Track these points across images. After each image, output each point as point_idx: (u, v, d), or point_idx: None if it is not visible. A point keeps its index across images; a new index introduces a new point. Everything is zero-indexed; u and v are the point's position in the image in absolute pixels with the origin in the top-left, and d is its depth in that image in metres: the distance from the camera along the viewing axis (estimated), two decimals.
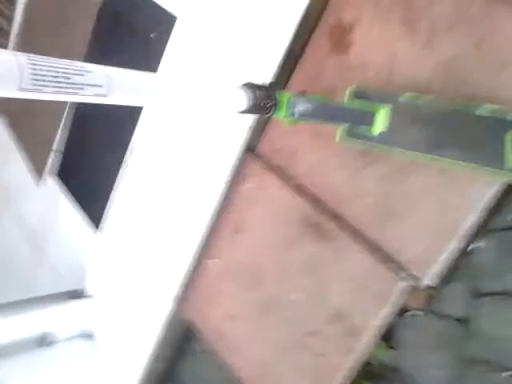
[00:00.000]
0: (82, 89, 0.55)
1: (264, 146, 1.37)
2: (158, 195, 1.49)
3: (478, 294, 1.13)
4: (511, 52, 0.96)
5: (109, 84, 0.59)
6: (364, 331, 1.17)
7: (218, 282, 1.47)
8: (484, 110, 0.94)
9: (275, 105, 0.99)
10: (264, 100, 0.95)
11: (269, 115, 0.99)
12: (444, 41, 1.04)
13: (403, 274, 1.11)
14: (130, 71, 0.65)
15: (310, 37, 1.26)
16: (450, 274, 1.11)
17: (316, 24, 1.25)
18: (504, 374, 1.10)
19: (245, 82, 0.92)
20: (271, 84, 1.26)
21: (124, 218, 1.61)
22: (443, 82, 1.04)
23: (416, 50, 1.08)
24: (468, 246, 1.10)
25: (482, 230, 1.07)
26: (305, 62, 1.27)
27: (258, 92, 0.93)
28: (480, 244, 1.11)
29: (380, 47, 1.13)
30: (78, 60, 0.60)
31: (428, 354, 1.21)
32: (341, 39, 1.19)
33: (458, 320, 1.15)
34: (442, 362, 1.18)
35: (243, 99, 0.91)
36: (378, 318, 1.15)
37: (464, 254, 1.10)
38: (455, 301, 1.16)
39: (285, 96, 1.01)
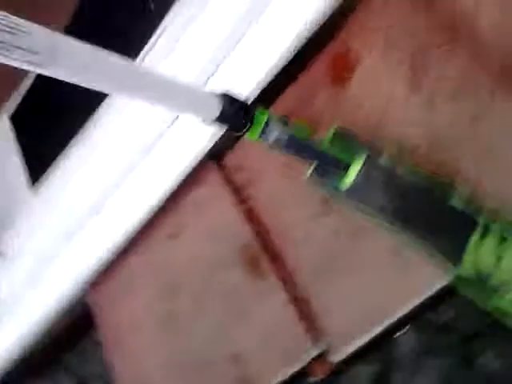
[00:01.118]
0: (7, 50, 0.44)
1: (231, 159, 1.28)
2: (103, 173, 1.37)
3: None
4: (499, 143, 0.91)
5: (50, 54, 0.49)
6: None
7: (133, 281, 1.38)
8: (459, 200, 0.89)
9: (249, 124, 0.89)
10: (238, 116, 0.86)
11: (239, 134, 0.90)
12: (444, 108, 0.98)
13: (319, 340, 1.04)
14: (86, 46, 0.55)
15: (310, 60, 1.18)
16: (365, 355, 1.05)
17: (321, 49, 1.16)
18: None
19: (223, 91, 0.83)
20: (253, 102, 1.17)
21: (61, 186, 1.49)
22: (429, 152, 0.98)
23: (413, 108, 1.01)
24: (394, 331, 1.04)
25: (412, 320, 1.02)
26: (298, 85, 1.19)
27: (233, 106, 0.84)
28: (403, 333, 1.05)
29: (379, 91, 1.06)
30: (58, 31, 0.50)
31: None
32: (342, 71, 1.12)
33: None
34: None
35: (214, 108, 0.81)
36: (276, 376, 1.08)
37: (386, 338, 1.05)
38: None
39: (262, 117, 0.92)
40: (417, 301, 0.95)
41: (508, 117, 0.91)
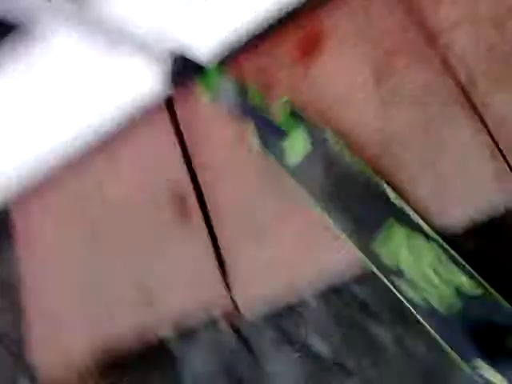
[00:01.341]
0: None
1: (183, 107, 1.20)
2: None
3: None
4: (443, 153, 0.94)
5: None
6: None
7: (60, 203, 1.33)
8: (393, 195, 0.92)
9: (203, 78, 0.85)
10: (190, 71, 0.82)
11: (191, 87, 0.86)
12: (400, 109, 0.98)
13: (231, 292, 1.06)
14: None
15: (278, 31, 1.11)
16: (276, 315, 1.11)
17: (291, 22, 1.10)
18: None
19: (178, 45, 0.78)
20: (209, 61, 1.10)
21: None
22: (376, 147, 0.98)
23: (370, 105, 1.00)
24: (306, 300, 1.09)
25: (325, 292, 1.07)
26: (260, 52, 1.13)
27: (186, 62, 0.79)
28: (312, 302, 1.10)
29: (339, 78, 1.04)
30: None
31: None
32: (307, 49, 1.09)
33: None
34: None
35: (166, 61, 0.76)
36: (184, 319, 1.11)
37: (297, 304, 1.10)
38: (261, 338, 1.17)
39: (216, 77, 0.88)
40: (332, 279, 1.00)
41: (455, 130, 0.94)
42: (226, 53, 1.10)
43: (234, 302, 1.06)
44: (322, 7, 1.09)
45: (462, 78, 0.94)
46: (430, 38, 0.98)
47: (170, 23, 1.04)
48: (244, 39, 1.10)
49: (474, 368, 0.84)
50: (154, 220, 1.19)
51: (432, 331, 0.87)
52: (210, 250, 1.10)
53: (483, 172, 0.90)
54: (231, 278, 1.07)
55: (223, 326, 1.18)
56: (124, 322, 1.17)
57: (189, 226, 1.14)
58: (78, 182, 1.31)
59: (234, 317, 1.11)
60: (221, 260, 1.09)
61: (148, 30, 1.06)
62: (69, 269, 1.27)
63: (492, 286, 0.85)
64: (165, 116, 1.22)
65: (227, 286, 1.07)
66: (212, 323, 1.18)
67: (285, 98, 0.99)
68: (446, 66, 0.95)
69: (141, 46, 0.72)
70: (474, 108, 0.92)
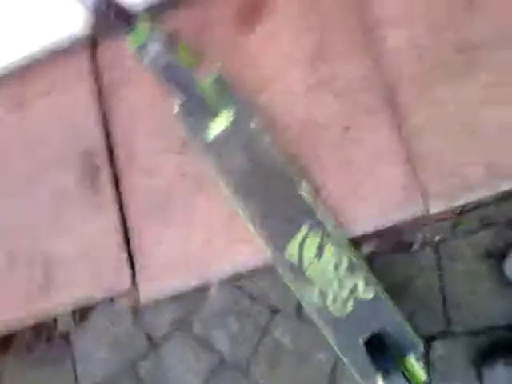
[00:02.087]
0: None
1: (106, 51, 1.12)
2: None
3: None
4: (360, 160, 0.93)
5: None
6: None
7: None
8: (306, 191, 0.90)
9: (133, 26, 0.78)
10: (119, 12, 0.74)
11: (117, 34, 0.78)
12: (325, 105, 0.96)
13: (130, 275, 1.01)
14: None
15: None
16: (174, 300, 1.07)
17: None
18: None
19: None
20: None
21: None
22: (297, 138, 0.96)
23: (299, 90, 0.97)
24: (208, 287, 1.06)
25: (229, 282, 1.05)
26: (200, 9, 1.07)
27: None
28: (214, 289, 1.08)
29: (277, 55, 1.00)
30: None
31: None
32: (249, 16, 1.03)
33: None
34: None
35: None
36: (85, 298, 1.05)
37: (198, 292, 1.07)
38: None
39: (148, 28, 0.81)
40: (235, 269, 0.97)
41: (375, 133, 0.93)
42: (161, 4, 1.04)
43: (135, 285, 1.01)
44: None
45: (390, 79, 0.93)
46: (368, 30, 0.96)
47: None
48: None
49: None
50: (59, 184, 1.10)
51: (325, 332, 0.87)
52: (118, 228, 1.04)
53: (393, 180, 0.90)
54: (135, 261, 1.02)
55: (121, 308, 1.13)
56: (17, 302, 1.08)
57: (98, 199, 1.06)
58: None
59: (133, 300, 1.06)
60: (127, 240, 1.04)
61: None
62: None
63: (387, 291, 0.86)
64: (85, 62, 1.13)
65: (131, 270, 1.02)
66: (110, 305, 1.13)
67: (217, 71, 0.94)
68: (378, 63, 0.94)
69: None
70: (395, 113, 0.92)
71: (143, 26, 0.80)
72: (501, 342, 0.92)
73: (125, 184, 1.05)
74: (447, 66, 0.91)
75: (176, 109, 0.95)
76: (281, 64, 1.00)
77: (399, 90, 0.92)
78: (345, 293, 0.86)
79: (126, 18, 0.75)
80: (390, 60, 0.94)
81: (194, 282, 0.98)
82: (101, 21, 0.73)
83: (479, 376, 0.91)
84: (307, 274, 0.88)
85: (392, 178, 0.90)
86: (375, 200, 0.90)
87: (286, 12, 1.01)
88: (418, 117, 0.91)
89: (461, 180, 0.86)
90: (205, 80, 0.93)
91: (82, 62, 1.13)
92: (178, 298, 1.10)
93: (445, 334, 0.95)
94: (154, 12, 1.01)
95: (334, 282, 0.87)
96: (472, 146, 0.87)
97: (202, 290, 1.09)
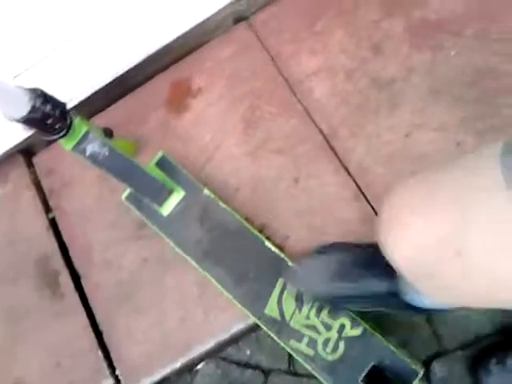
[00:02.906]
0: None
1: (43, 158, 1.13)
2: None
3: None
4: (312, 207, 0.96)
5: None
6: None
7: None
8: (272, 245, 0.91)
9: (65, 130, 0.79)
10: (53, 118, 0.75)
11: (52, 138, 0.79)
12: (267, 159, 1.00)
13: (114, 371, 0.97)
14: None
15: (151, 76, 1.11)
16: None
17: (164, 68, 1.11)
18: None
19: (36, 87, 0.72)
20: (74, 107, 1.05)
21: None
22: (249, 198, 0.98)
23: (241, 153, 1.01)
24: (194, 365, 1.02)
25: (213, 354, 1.02)
26: (132, 99, 1.11)
27: (48, 105, 0.73)
28: (201, 366, 1.04)
29: (213, 129, 1.04)
30: None
31: None
32: (181, 98, 1.08)
33: None
34: None
35: (23, 105, 0.70)
36: None
37: (185, 370, 1.02)
38: None
39: (83, 126, 0.82)
40: (217, 339, 0.94)
41: (321, 178, 0.96)
42: (95, 100, 1.06)
43: (118, 381, 0.97)
44: (191, 53, 1.10)
45: (323, 125, 0.98)
46: (293, 85, 1.02)
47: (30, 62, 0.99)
48: (114, 86, 1.07)
49: None
50: (16, 301, 1.05)
51: (323, 380, 0.85)
52: (88, 328, 1.00)
53: (352, 217, 0.93)
54: (113, 357, 0.98)
55: None
56: None
57: (62, 304, 1.03)
58: None
59: None
60: (100, 338, 0.99)
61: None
62: None
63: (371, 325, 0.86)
64: (24, 171, 1.13)
65: (110, 367, 0.97)
66: None
67: (160, 153, 0.95)
68: (308, 114, 0.99)
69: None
70: (336, 155, 0.96)
71: (78, 124, 0.81)
72: (490, 346, 0.94)
73: (87, 282, 1.02)
74: (371, 103, 0.98)
75: (126, 194, 0.95)
76: (218, 134, 1.03)
77: (333, 133, 0.98)
78: (333, 335, 0.85)
79: (61, 117, 0.75)
80: (318, 109, 1.00)
81: (178, 362, 0.94)
82: (33, 127, 0.73)
83: (477, 382, 0.92)
84: (292, 325, 0.88)
85: (350, 215, 0.93)
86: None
87: (214, 86, 1.07)
88: (357, 153, 0.96)
89: None
90: (150, 163, 0.95)
91: (21, 171, 1.13)
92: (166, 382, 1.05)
93: (440, 354, 0.96)
94: (83, 109, 1.05)
95: (320, 328, 0.86)
96: (415, 167, 0.92)
97: (187, 371, 1.05)
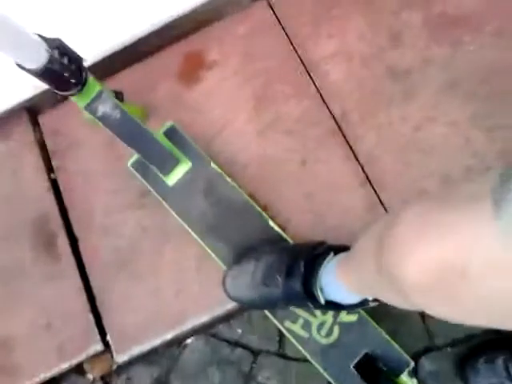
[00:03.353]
0: None
1: (49, 118, 1.11)
2: None
3: None
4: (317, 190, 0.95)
5: None
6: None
7: None
8: (274, 224, 0.91)
9: (80, 86, 0.78)
10: (70, 72, 0.73)
11: (67, 93, 0.78)
12: (278, 142, 0.99)
13: (105, 337, 0.96)
14: None
15: (165, 45, 1.10)
16: (150, 357, 1.01)
17: (179, 38, 1.10)
18: None
19: (55, 37, 0.71)
20: (90, 66, 1.04)
21: None
22: (256, 175, 0.98)
23: (251, 131, 1.00)
24: (183, 339, 1.02)
25: (203, 330, 1.01)
26: (145, 66, 1.10)
27: (65, 58, 0.71)
28: (190, 341, 1.04)
29: (223, 104, 1.03)
30: None
31: None
32: (193, 69, 1.06)
33: None
34: None
35: (41, 54, 0.68)
36: (48, 370, 0.97)
37: (174, 344, 1.02)
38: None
39: (97, 85, 0.81)
40: (212, 314, 0.94)
41: (329, 163, 0.96)
42: (107, 64, 1.05)
43: (108, 347, 0.97)
44: (207, 27, 1.09)
45: (336, 110, 0.98)
46: (308, 68, 1.01)
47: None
48: (126, 52, 1.06)
49: None
50: (12, 260, 1.04)
51: (315, 362, 0.85)
52: (81, 291, 0.99)
53: (356, 205, 0.93)
54: (104, 321, 0.97)
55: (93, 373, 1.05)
56: None
57: (58, 266, 1.02)
58: None
59: (106, 366, 1.00)
60: (93, 302, 0.99)
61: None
62: None
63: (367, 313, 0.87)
64: (28, 129, 1.11)
65: (101, 331, 0.97)
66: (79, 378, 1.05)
67: (169, 123, 0.94)
68: (322, 97, 0.99)
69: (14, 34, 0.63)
70: (346, 141, 0.96)
71: (92, 82, 0.80)
72: (480, 344, 0.95)
73: (85, 246, 1.01)
74: (385, 91, 0.97)
75: (132, 161, 0.94)
76: (229, 109, 1.02)
77: (345, 119, 0.97)
78: (329, 319, 0.85)
79: (77, 71, 0.74)
80: (332, 93, 0.99)
81: (170, 334, 0.94)
82: (48, 80, 0.71)
83: (465, 380, 0.93)
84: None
85: (354, 203, 0.93)
86: (343, 228, 0.91)
87: (228, 61, 1.05)
88: (367, 141, 0.95)
89: (420, 194, 0.90)
90: (158, 131, 0.94)
91: (25, 129, 1.11)
92: (152, 360, 1.04)
93: (429, 349, 0.96)
94: (97, 71, 1.03)
95: (316, 311, 0.86)
96: (424, 160, 0.92)
97: (177, 345, 1.04)
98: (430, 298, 0.44)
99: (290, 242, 0.89)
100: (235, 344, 1.04)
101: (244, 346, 1.04)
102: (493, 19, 0.97)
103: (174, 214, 0.93)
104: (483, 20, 0.98)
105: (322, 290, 0.76)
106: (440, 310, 0.46)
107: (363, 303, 0.77)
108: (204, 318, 0.94)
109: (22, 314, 1.01)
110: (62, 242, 1.02)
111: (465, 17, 0.99)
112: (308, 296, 0.76)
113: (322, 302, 0.75)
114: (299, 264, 0.77)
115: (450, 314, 0.46)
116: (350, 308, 0.79)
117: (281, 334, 1.00)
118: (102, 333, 0.97)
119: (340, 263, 0.74)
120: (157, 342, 0.95)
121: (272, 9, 1.07)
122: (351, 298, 0.77)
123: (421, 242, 0.43)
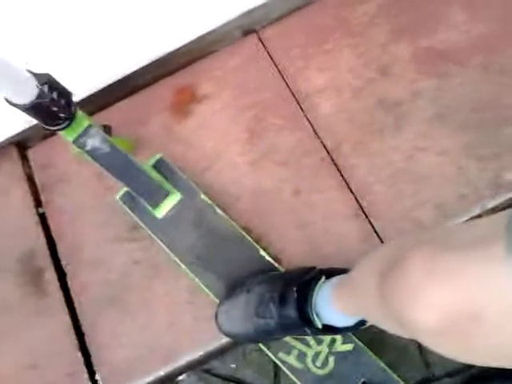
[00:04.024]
0: None
1: (38, 151, 1.10)
2: None
3: None
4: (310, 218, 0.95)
5: None
6: None
7: None
8: (267, 254, 0.89)
9: (69, 121, 0.77)
10: (59, 107, 0.73)
11: (55, 128, 0.77)
12: (269, 170, 0.99)
13: (89, 376, 0.93)
14: None
15: (157, 79, 1.11)
16: None
17: (171, 73, 1.10)
18: None
19: (45, 72, 0.70)
20: (79, 101, 1.04)
21: None
22: (247, 207, 0.97)
23: (243, 162, 1.00)
24: (176, 375, 0.99)
25: (197, 365, 0.98)
26: (136, 99, 1.10)
27: (55, 93, 0.71)
28: (183, 377, 1.01)
29: (215, 137, 1.03)
30: None
31: None
32: (185, 103, 1.07)
33: None
34: None
35: (31, 89, 0.68)
36: None
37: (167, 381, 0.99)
38: None
39: (85, 119, 0.81)
40: (204, 350, 0.92)
41: (323, 193, 0.96)
42: (99, 97, 1.05)
43: None
44: (198, 61, 1.10)
45: (328, 141, 0.98)
46: (300, 100, 1.02)
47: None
48: (119, 86, 1.06)
49: None
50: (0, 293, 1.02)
51: None
52: (70, 329, 0.97)
53: (351, 235, 0.92)
54: (93, 359, 0.94)
55: None
56: None
57: (45, 302, 0.99)
58: None
59: None
60: (82, 340, 0.96)
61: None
62: None
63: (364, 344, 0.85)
64: (17, 163, 1.10)
65: (89, 370, 0.94)
66: None
67: (158, 155, 0.94)
68: (314, 129, 0.99)
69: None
70: (339, 171, 0.96)
71: (81, 116, 0.80)
72: (477, 375, 0.94)
73: (73, 281, 0.99)
74: (376, 122, 0.98)
75: (121, 194, 0.93)
76: (221, 142, 1.02)
77: (337, 150, 0.97)
78: (324, 349, 0.84)
79: (66, 106, 0.73)
80: (324, 124, 1.00)
81: (162, 371, 0.91)
82: (37, 115, 0.71)
83: None
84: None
85: (349, 232, 0.92)
86: (338, 258, 0.90)
87: (220, 95, 1.06)
88: (360, 171, 0.95)
89: (414, 223, 0.90)
90: (147, 164, 0.93)
91: (14, 164, 1.10)
92: None
93: (427, 380, 0.94)
94: (84, 107, 1.03)
95: (310, 341, 0.84)
96: (416, 189, 0.92)
97: (169, 382, 1.01)
98: (440, 339, 0.43)
99: (282, 270, 0.88)
100: (229, 379, 1.02)
101: (239, 381, 1.01)
102: (477, 53, 0.99)
103: (162, 245, 0.91)
104: (468, 54, 1.00)
105: (318, 314, 0.74)
106: (448, 350, 0.45)
107: (362, 323, 0.76)
108: (197, 354, 0.92)
109: (7, 353, 0.97)
110: (50, 276, 0.99)
111: (451, 51, 1.01)
112: (304, 322, 0.74)
113: (320, 326, 0.74)
114: (292, 291, 0.76)
115: (458, 354, 0.45)
116: (347, 330, 0.78)
117: (276, 368, 0.98)
118: (91, 371, 0.94)
119: (336, 288, 0.73)
120: (149, 379, 0.92)
121: (262, 43, 1.09)
122: (348, 321, 0.76)
123: (433, 286, 0.42)
